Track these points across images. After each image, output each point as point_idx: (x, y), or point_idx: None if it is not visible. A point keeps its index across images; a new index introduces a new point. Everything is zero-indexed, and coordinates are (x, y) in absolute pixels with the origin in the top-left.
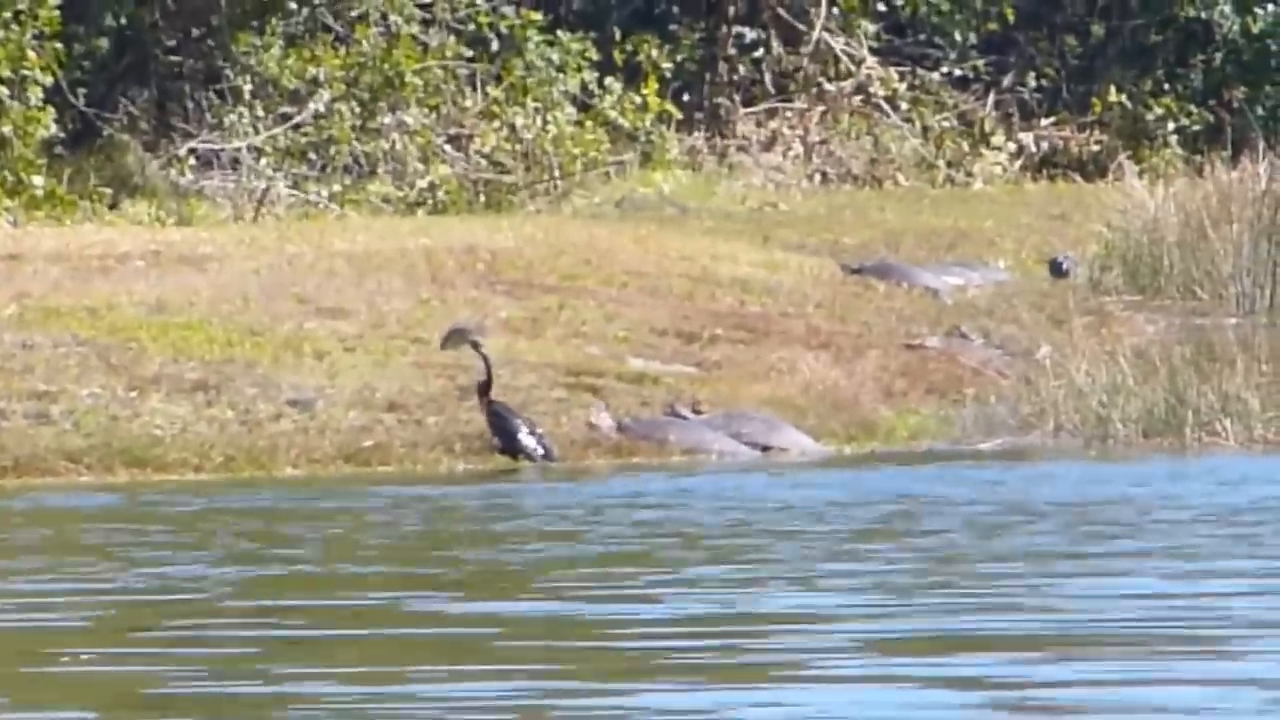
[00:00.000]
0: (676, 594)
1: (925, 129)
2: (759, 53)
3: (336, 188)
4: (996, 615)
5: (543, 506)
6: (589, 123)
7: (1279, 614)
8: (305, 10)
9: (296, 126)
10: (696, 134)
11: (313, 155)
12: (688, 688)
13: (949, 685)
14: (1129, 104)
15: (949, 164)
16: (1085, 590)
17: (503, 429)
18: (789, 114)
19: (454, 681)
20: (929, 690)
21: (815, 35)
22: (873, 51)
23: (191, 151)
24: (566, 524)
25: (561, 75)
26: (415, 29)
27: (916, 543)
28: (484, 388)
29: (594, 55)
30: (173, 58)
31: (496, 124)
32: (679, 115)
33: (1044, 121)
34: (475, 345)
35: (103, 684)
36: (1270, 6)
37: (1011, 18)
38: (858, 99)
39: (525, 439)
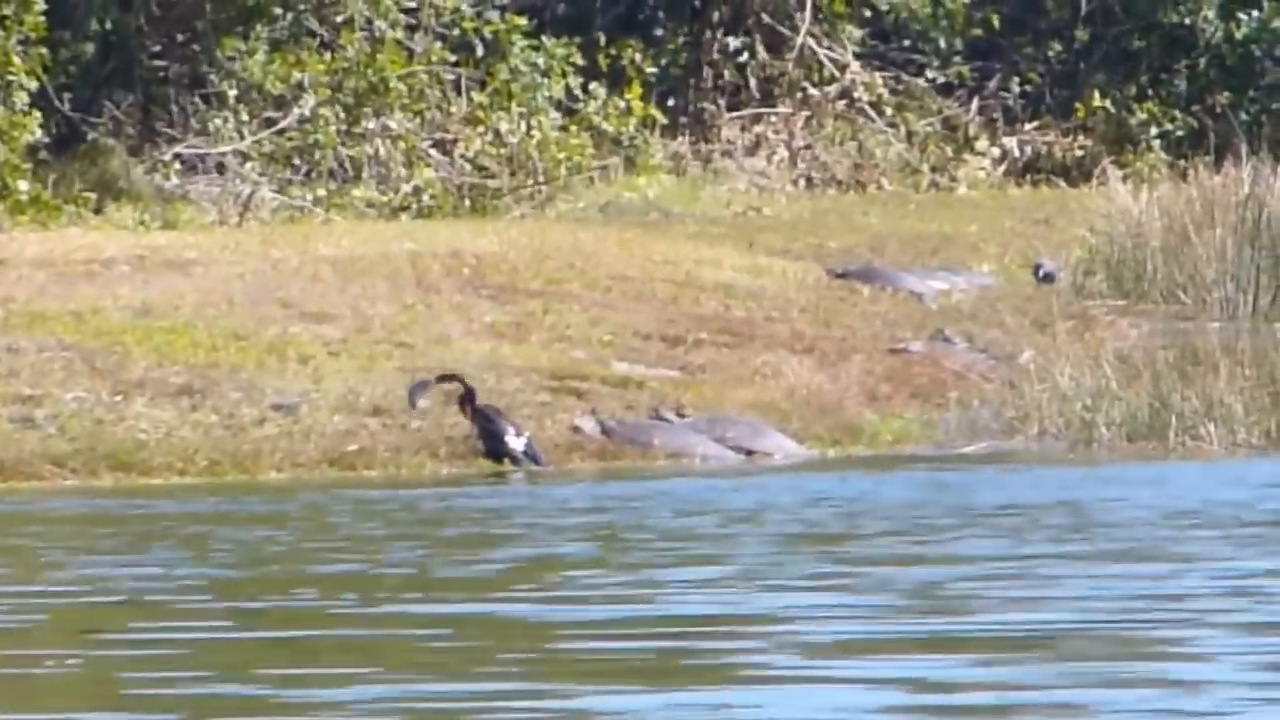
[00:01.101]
0: (628, 596)
1: (910, 134)
2: (743, 58)
3: (321, 192)
4: (941, 617)
5: (499, 508)
6: (574, 127)
7: (1223, 616)
8: (290, 15)
9: (281, 131)
10: (681, 139)
11: (297, 160)
12: (636, 690)
13: (897, 687)
14: (1113, 109)
15: (933, 169)
16: (1027, 592)
17: (490, 432)
18: (773, 119)
19: (406, 683)
20: (876, 692)
21: (799, 40)
22: (857, 57)
23: (176, 156)
24: (519, 526)
25: (546, 80)
26: (400, 34)
27: (864, 546)
28: (465, 400)
29: (578, 60)
30: (157, 62)
31: (481, 129)
32: (663, 120)
33: (1028, 126)
34: (441, 379)
35: (65, 685)
36: (1254, 12)
37: (996, 23)
38: (842, 104)
39: (512, 442)
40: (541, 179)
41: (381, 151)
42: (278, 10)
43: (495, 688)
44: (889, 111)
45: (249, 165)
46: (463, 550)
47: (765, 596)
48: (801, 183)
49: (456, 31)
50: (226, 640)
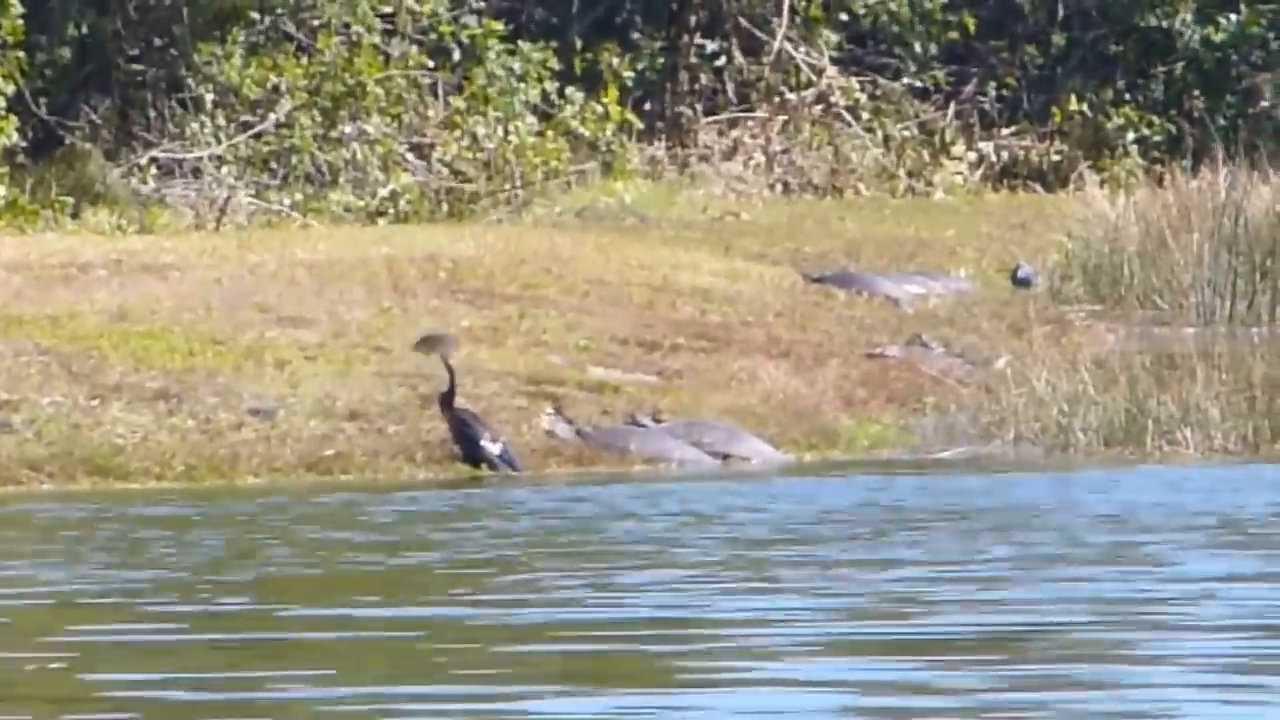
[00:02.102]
0: (583, 599)
1: (886, 139)
2: (720, 62)
3: (298, 196)
4: (895, 621)
5: (460, 510)
6: (550, 132)
7: (1174, 618)
8: (267, 20)
9: (258, 135)
10: (658, 143)
11: (274, 164)
12: (590, 693)
13: (851, 689)
14: (1089, 114)
15: (910, 174)
16: (981, 595)
17: (466, 437)
18: (750, 123)
19: (355, 685)
20: (829, 695)
21: (777, 45)
22: (834, 61)
23: (153, 160)
24: (482, 530)
25: (523, 85)
26: (377, 38)
27: (815, 549)
28: (446, 398)
29: (555, 65)
30: (135, 67)
31: (458, 133)
32: (640, 125)
33: (1004, 131)
34: (444, 357)
35: (33, 687)
36: (1232, 16)
37: (972, 28)
38: (819, 109)
39: (488, 447)
40: (518, 183)
41: (358, 156)
42: (254, 15)
43: (447, 691)
44: (865, 116)
45: (225, 169)
46: (418, 553)
47: (720, 599)
48: (778, 187)
49: (433, 36)
50: (184, 643)
